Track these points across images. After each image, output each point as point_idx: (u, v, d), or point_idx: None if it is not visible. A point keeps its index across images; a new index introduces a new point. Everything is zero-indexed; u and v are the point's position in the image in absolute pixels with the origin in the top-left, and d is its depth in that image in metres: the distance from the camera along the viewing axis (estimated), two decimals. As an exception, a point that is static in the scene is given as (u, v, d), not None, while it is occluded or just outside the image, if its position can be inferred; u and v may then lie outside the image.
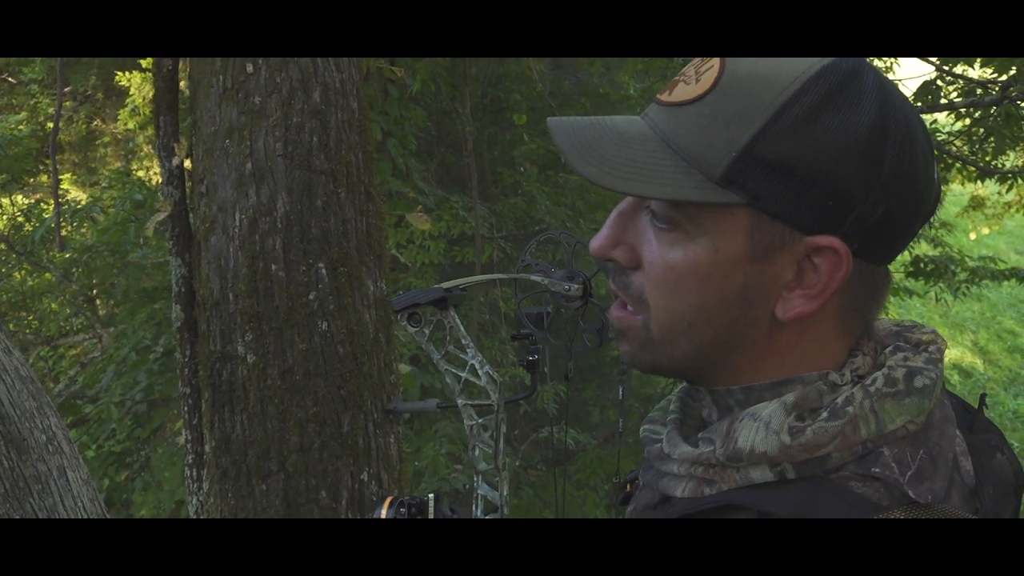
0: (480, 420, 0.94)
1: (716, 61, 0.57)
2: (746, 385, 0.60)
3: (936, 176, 0.56)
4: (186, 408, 1.88)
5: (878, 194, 0.53)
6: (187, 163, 1.94)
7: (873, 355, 0.60)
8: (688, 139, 0.56)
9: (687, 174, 0.55)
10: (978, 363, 9.84)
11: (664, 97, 0.59)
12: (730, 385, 0.61)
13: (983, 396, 0.66)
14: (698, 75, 0.57)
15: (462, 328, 0.93)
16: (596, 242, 0.62)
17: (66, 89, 7.38)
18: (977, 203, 8.28)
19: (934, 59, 3.43)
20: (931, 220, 0.59)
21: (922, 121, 0.56)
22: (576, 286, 0.95)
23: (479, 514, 0.93)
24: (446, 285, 0.92)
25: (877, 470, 0.54)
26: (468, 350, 0.94)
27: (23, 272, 5.78)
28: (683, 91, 0.57)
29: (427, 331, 0.92)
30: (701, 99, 0.56)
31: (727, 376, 0.61)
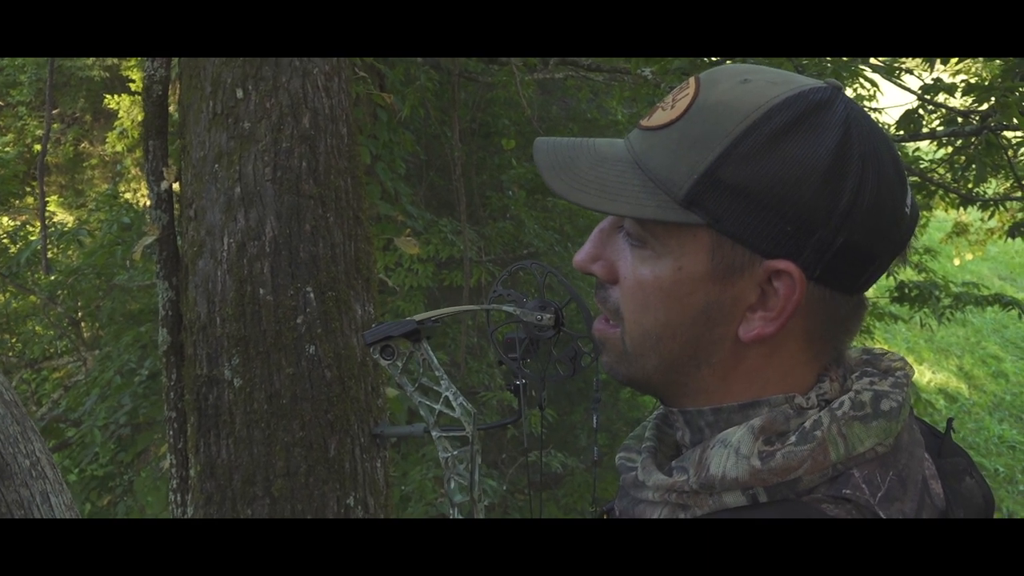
0: (455, 452, 0.94)
1: (692, 89, 0.59)
2: (716, 406, 0.62)
3: (908, 209, 0.57)
4: (171, 432, 1.87)
5: (838, 223, 0.54)
6: (176, 187, 1.95)
7: (841, 381, 0.61)
8: (657, 161, 0.59)
9: (651, 194, 0.58)
10: (963, 388, 9.90)
11: (644, 122, 0.62)
12: (701, 406, 0.63)
13: (950, 421, 0.67)
14: (674, 101, 0.60)
15: (435, 360, 0.93)
16: (578, 256, 0.65)
17: (54, 111, 7.38)
18: (961, 229, 8.37)
19: (916, 90, 3.49)
20: (906, 251, 0.60)
21: (894, 154, 0.57)
22: (548, 316, 0.95)
23: None
24: (418, 317, 0.92)
25: (848, 491, 0.55)
26: (442, 382, 0.94)
27: (7, 294, 5.74)
28: (659, 116, 0.60)
29: (400, 364, 0.92)
30: (672, 124, 0.59)
31: (696, 396, 0.63)
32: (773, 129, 0.55)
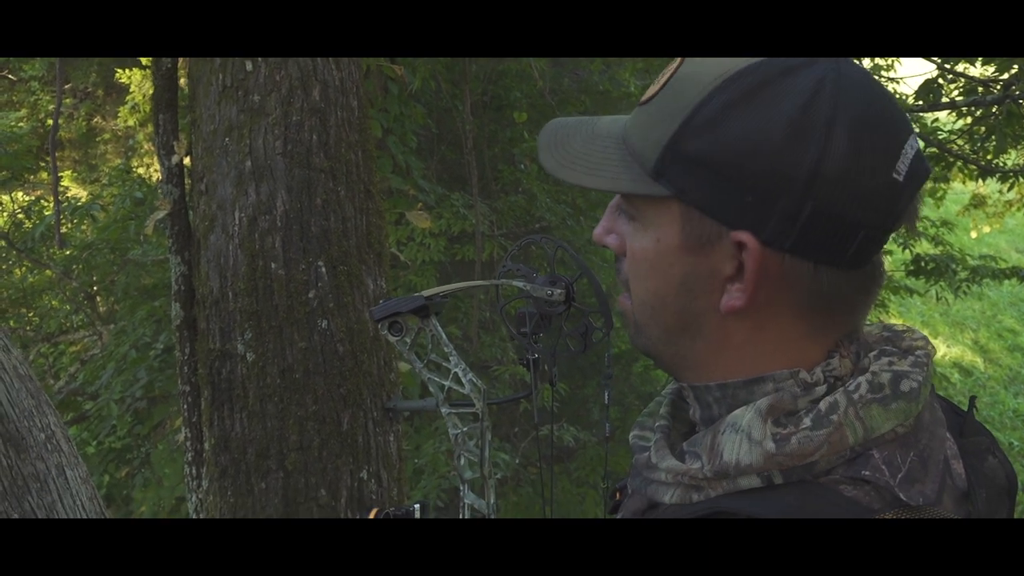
0: (465, 429, 0.93)
1: (677, 62, 0.60)
2: (721, 382, 0.61)
3: (902, 176, 0.55)
4: (185, 406, 1.88)
5: (801, 191, 0.53)
6: (187, 161, 1.94)
7: (854, 358, 0.60)
8: (636, 135, 0.61)
9: (628, 168, 0.60)
10: (978, 362, 9.83)
11: (642, 97, 0.63)
12: (706, 381, 0.63)
13: (973, 399, 0.66)
14: (661, 76, 0.61)
15: (444, 336, 0.92)
16: (596, 230, 0.68)
17: (66, 86, 7.37)
18: (978, 201, 8.26)
19: (936, 58, 3.42)
20: (913, 220, 0.58)
21: (888, 119, 0.55)
22: (559, 291, 0.94)
23: None
24: (427, 293, 0.91)
25: (867, 473, 0.54)
26: (451, 358, 0.93)
27: (23, 269, 5.78)
28: (649, 91, 0.61)
29: (408, 340, 0.91)
30: (653, 98, 0.60)
31: (698, 369, 0.63)
32: (729, 98, 0.54)
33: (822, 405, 0.56)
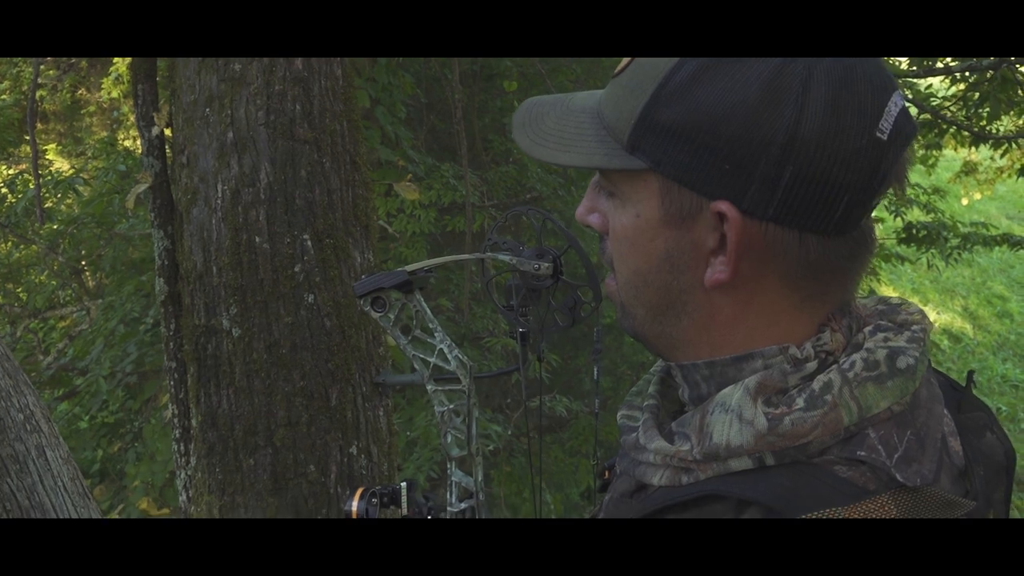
0: (451, 406, 0.91)
1: None
2: (709, 359, 0.60)
3: (886, 135, 0.53)
4: (172, 382, 1.86)
5: (779, 155, 0.51)
6: (168, 132, 1.90)
7: (846, 333, 0.58)
8: (609, 109, 0.59)
9: (602, 142, 0.58)
10: (968, 328, 9.89)
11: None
12: (694, 359, 0.61)
13: (971, 374, 0.64)
14: None
15: (428, 311, 0.90)
16: (578, 210, 0.66)
17: (49, 58, 7.23)
18: (970, 168, 8.25)
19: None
20: (903, 180, 0.56)
21: (872, 75, 0.53)
22: (546, 264, 0.91)
23: (454, 500, 0.91)
24: (410, 268, 0.89)
25: (863, 453, 0.52)
26: (436, 334, 0.91)
27: (9, 244, 5.72)
28: (621, 63, 0.60)
29: (392, 316, 0.89)
30: (624, 69, 0.58)
31: (686, 348, 0.61)
32: (699, 64, 0.53)
33: (815, 384, 0.54)
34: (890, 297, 0.65)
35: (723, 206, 0.53)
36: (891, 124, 0.53)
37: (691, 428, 0.58)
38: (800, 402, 0.54)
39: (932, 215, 5.91)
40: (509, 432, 4.25)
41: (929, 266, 5.85)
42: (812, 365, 0.56)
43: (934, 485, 0.52)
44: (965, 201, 9.33)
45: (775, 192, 0.52)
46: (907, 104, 0.56)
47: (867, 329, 0.58)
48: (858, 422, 0.53)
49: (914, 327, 0.59)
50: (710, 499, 0.55)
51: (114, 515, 3.73)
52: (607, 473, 0.84)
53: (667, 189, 0.56)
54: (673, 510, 0.56)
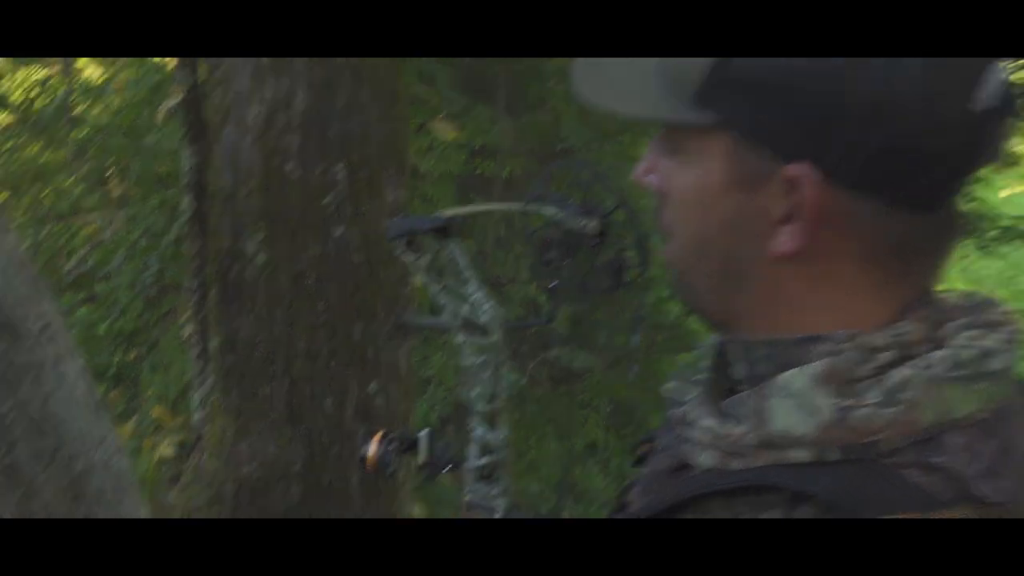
0: (479, 360, 0.86)
1: None
2: (770, 338, 0.55)
3: (985, 104, 0.48)
4: (193, 301, 1.86)
5: (867, 118, 0.47)
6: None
7: (930, 325, 0.53)
8: (679, 60, 0.54)
9: (668, 95, 0.54)
10: (992, 320, 9.78)
11: None
12: (754, 336, 0.56)
13: None
14: None
15: (464, 260, 0.85)
16: (636, 169, 0.61)
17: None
18: (1013, 160, 8.05)
19: None
20: (996, 158, 0.51)
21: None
22: (592, 223, 0.85)
23: (475, 455, 0.88)
24: (448, 212, 0.83)
25: (940, 459, 0.48)
26: (469, 284, 0.86)
27: (36, 147, 5.72)
28: None
29: (424, 261, 0.84)
30: None
31: (745, 323, 0.57)
32: None
33: (892, 378, 0.50)
34: (973, 292, 0.60)
35: (799, 170, 0.49)
36: (992, 95, 0.48)
37: (747, 410, 0.54)
38: (874, 396, 0.49)
39: (971, 204, 5.77)
40: (523, 381, 4.26)
41: (961, 257, 5.74)
42: (887, 356, 0.51)
43: (1017, 503, 0.48)
44: (1004, 193, 9.13)
45: (857, 158, 0.48)
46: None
47: (953, 324, 0.53)
48: (937, 425, 0.49)
49: (1009, 327, 0.54)
50: (763, 489, 0.51)
51: (129, 424, 3.79)
52: (643, 446, 0.80)
53: (738, 148, 0.51)
54: (719, 496, 0.53)
